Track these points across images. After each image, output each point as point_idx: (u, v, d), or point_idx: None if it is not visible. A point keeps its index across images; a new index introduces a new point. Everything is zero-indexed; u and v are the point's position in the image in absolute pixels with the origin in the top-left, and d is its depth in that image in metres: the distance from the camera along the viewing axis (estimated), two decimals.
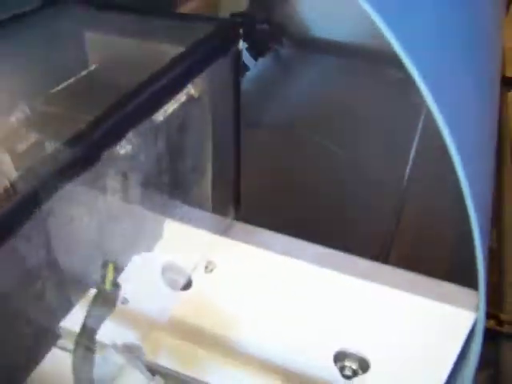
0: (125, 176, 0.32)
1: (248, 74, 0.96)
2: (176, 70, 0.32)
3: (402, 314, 0.43)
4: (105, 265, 0.31)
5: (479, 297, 0.37)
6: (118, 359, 0.39)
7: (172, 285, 0.49)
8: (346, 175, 0.78)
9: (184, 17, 0.38)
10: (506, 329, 0.53)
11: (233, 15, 0.90)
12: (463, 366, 0.45)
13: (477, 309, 0.40)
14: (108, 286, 0.31)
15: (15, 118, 0.30)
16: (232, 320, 0.49)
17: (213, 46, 0.34)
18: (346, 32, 0.97)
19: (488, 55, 0.56)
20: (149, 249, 0.38)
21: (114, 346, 0.39)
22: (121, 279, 0.41)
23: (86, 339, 0.33)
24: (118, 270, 0.32)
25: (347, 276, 0.42)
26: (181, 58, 0.32)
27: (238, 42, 0.35)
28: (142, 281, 0.46)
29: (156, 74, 0.30)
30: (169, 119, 0.36)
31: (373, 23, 0.30)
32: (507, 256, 0.64)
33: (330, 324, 0.46)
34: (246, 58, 0.91)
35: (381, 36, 0.31)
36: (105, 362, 0.37)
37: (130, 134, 0.31)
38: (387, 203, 0.72)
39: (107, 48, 0.37)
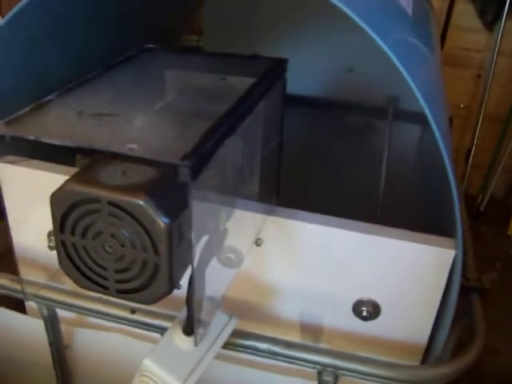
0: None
1: None
2: (254, 94, 0.49)
3: (400, 261, 0.60)
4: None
5: (457, 233, 0.55)
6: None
7: (228, 264, 0.64)
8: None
9: (239, 56, 0.55)
10: (472, 283, 0.71)
11: None
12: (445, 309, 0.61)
13: (455, 246, 0.57)
14: (221, 226, 0.46)
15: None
16: (276, 289, 0.64)
17: (272, 76, 0.52)
18: (314, 87, 1.19)
19: None
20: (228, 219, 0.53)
21: None
22: None
23: (199, 275, 0.47)
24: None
25: (360, 234, 0.59)
26: (256, 85, 0.50)
27: (284, 73, 0.54)
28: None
29: (244, 95, 0.47)
30: (250, 126, 0.51)
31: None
32: None
33: (351, 278, 0.62)
34: None
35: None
36: None
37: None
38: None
39: (183, 81, 0.53)
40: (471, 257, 0.80)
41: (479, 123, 2.06)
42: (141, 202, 0.39)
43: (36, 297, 0.65)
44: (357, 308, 0.63)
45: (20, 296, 0.66)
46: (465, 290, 0.71)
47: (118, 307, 0.63)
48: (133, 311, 0.63)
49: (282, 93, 0.55)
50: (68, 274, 0.44)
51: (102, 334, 0.74)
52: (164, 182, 0.40)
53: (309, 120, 1.14)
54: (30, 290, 0.66)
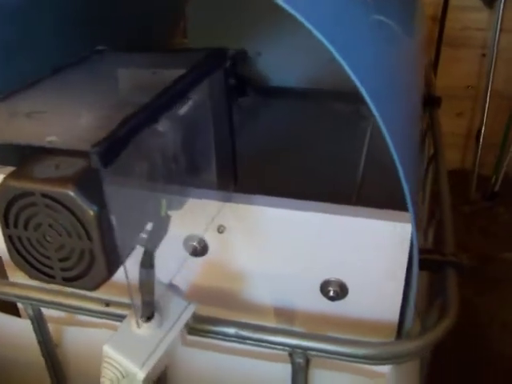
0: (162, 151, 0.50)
1: None
2: (180, 84, 0.50)
3: (360, 239, 0.60)
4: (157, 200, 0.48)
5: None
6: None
7: (193, 251, 0.65)
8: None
9: (184, 50, 0.57)
10: (448, 258, 0.71)
11: None
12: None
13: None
14: (162, 212, 0.48)
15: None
16: (243, 274, 0.66)
17: (206, 67, 0.53)
18: (298, 79, 1.20)
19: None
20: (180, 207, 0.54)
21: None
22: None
23: (148, 260, 0.49)
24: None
25: (322, 214, 0.59)
26: (184, 76, 0.51)
27: (224, 62, 0.55)
28: (168, 254, 0.62)
29: (168, 86, 0.49)
30: (186, 115, 0.54)
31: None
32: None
33: (316, 259, 0.63)
34: None
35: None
36: None
37: (165, 121, 0.49)
38: None
39: (133, 78, 0.55)
40: (450, 232, 0.80)
41: (487, 102, 2.01)
42: (70, 192, 0.41)
43: (19, 297, 0.68)
44: (324, 288, 0.64)
45: (5, 298, 0.70)
46: (442, 266, 0.71)
47: (92, 301, 0.65)
48: (107, 304, 0.66)
49: (225, 82, 0.56)
50: (19, 266, 0.47)
51: (91, 331, 0.76)
52: (92, 172, 0.42)
53: (294, 110, 1.15)
54: (16, 291, 0.69)
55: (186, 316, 0.55)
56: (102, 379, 0.53)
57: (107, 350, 0.52)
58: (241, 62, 1.25)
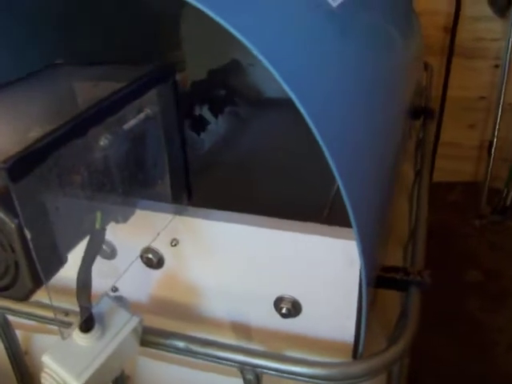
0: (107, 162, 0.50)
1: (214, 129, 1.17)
2: (115, 97, 0.50)
3: (310, 256, 0.59)
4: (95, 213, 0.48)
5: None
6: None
7: (149, 264, 0.66)
8: None
9: (135, 63, 0.58)
10: (411, 277, 0.69)
11: (193, 83, 1.14)
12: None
13: None
14: (98, 225, 0.48)
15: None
16: (198, 288, 0.65)
17: (149, 78, 0.54)
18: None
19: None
20: (125, 220, 0.55)
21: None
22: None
23: (84, 270, 0.49)
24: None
25: (269, 230, 0.59)
26: (120, 90, 0.51)
27: (171, 77, 0.55)
28: (123, 266, 0.62)
29: (101, 100, 0.49)
30: (134, 130, 0.54)
31: None
32: None
33: (269, 275, 0.62)
34: (208, 115, 1.15)
35: None
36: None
37: (108, 136, 0.49)
38: None
39: (86, 91, 0.56)
40: (421, 249, 0.77)
41: (499, 114, 1.96)
42: None
43: None
44: (277, 305, 0.63)
45: None
46: (406, 285, 0.69)
47: (50, 310, 0.66)
48: (66, 314, 0.66)
49: (174, 96, 0.56)
50: None
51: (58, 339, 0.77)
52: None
53: (284, 121, 1.14)
54: None
55: (129, 328, 0.55)
56: None
57: (46, 360, 0.52)
58: (233, 72, 1.25)
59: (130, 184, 0.56)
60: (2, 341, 0.74)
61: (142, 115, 0.55)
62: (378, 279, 0.65)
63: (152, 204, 0.61)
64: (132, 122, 0.53)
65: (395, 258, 0.85)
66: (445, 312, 1.60)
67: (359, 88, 0.63)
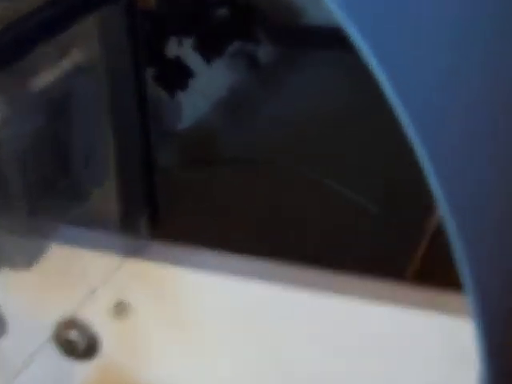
0: None
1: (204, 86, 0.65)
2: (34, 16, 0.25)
3: None
4: None
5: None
6: None
7: (71, 351, 0.35)
8: None
9: None
10: None
11: None
12: None
13: None
14: None
15: None
16: None
17: None
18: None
19: None
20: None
21: None
22: None
23: None
24: None
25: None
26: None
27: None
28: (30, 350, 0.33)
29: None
30: (50, 91, 0.28)
31: None
32: None
33: None
34: (193, 59, 0.60)
35: None
36: None
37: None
38: None
39: None
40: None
41: None
42: None
43: None
44: None
45: None
46: None
47: None
48: None
49: (125, 27, 0.31)
50: None
51: None
52: None
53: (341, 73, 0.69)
54: None
55: None
56: None
57: None
58: None
59: (40, 193, 0.29)
60: None
61: (66, 63, 0.29)
62: None
63: (81, 235, 0.32)
64: (47, 77, 0.27)
65: None
66: None
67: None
